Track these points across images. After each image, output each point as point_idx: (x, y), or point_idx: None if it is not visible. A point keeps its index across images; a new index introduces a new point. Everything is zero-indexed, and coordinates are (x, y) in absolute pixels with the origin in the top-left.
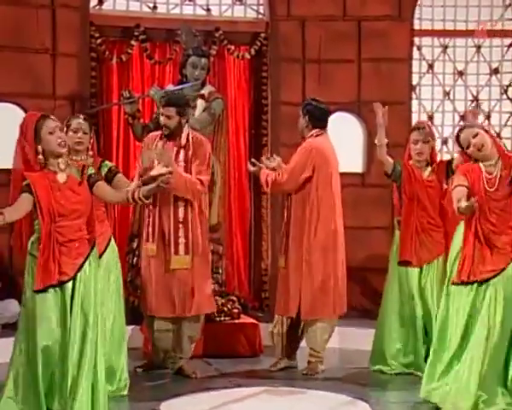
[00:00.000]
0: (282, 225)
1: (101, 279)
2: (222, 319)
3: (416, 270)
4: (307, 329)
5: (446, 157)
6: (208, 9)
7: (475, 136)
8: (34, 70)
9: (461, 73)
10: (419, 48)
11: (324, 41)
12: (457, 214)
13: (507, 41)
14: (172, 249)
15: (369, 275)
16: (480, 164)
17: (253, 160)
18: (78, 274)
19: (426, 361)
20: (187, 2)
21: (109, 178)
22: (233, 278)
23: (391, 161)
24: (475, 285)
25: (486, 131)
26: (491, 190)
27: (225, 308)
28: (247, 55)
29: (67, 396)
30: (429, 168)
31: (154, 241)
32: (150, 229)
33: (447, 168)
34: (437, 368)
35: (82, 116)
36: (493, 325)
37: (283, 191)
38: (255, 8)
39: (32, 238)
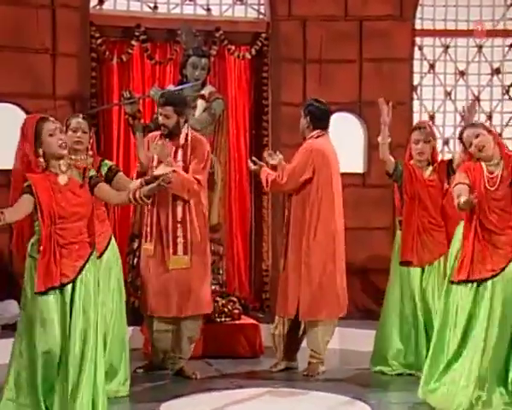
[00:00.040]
0: (283, 227)
1: (101, 279)
2: (222, 319)
3: (418, 270)
4: (308, 330)
5: (448, 157)
6: (209, 9)
7: (477, 136)
8: (34, 70)
9: (462, 73)
10: (420, 48)
11: (325, 41)
12: (458, 210)
13: (508, 41)
14: (171, 249)
15: (370, 276)
16: (482, 163)
17: (253, 158)
18: (79, 277)
19: None
20: (187, 2)
21: (109, 178)
22: (233, 279)
23: (393, 160)
24: (474, 285)
25: (490, 131)
26: (492, 189)
27: (226, 309)
28: (248, 56)
29: (68, 398)
30: (430, 168)
31: (151, 241)
32: (148, 229)
33: (448, 168)
34: (435, 369)
35: (81, 115)
36: (492, 326)
37: (283, 192)
38: (256, 7)
39: (32, 240)
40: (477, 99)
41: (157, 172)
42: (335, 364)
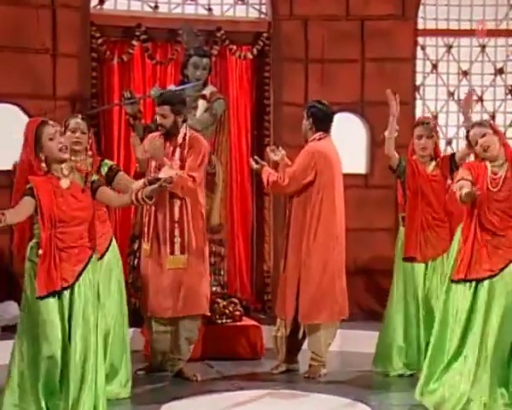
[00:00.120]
0: (284, 228)
1: (102, 281)
2: (223, 321)
3: (422, 266)
4: (310, 333)
5: (450, 152)
6: (210, 9)
7: (483, 136)
8: (34, 70)
9: (465, 73)
10: (423, 47)
11: (327, 41)
12: (460, 204)
13: None
14: (168, 249)
15: (372, 276)
16: (487, 163)
17: (255, 157)
18: (77, 281)
19: None
20: (188, 2)
21: (110, 178)
22: (235, 280)
23: (397, 156)
24: (473, 285)
25: (496, 132)
26: (494, 190)
27: (227, 310)
28: (249, 55)
29: (70, 402)
30: (433, 163)
31: (148, 240)
32: (146, 229)
33: (451, 163)
34: (434, 370)
35: (80, 116)
36: (490, 326)
37: (284, 194)
38: (257, 7)
39: (31, 243)
40: (480, 99)
41: (161, 174)
42: (337, 366)
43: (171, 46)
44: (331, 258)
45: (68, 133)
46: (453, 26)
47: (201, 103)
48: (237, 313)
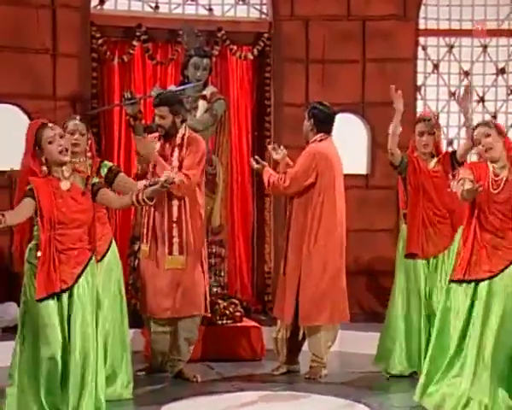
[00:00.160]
0: (285, 229)
1: (102, 282)
2: (224, 322)
3: (424, 262)
4: (310, 335)
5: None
6: (210, 9)
7: (487, 136)
8: (34, 71)
9: (467, 73)
10: (424, 48)
11: (328, 41)
12: (461, 201)
13: None
14: (166, 249)
15: (373, 277)
16: (489, 164)
17: (256, 157)
18: (76, 284)
19: None
20: (189, 2)
21: (110, 179)
22: (235, 281)
23: (399, 152)
24: (472, 285)
25: (501, 133)
26: (495, 191)
27: (227, 311)
28: (250, 56)
29: (71, 405)
30: (435, 159)
31: (147, 241)
32: (145, 230)
33: (452, 159)
34: (434, 371)
35: (78, 117)
36: (489, 328)
37: (285, 195)
38: (258, 7)
39: (30, 245)
40: (481, 100)
41: (163, 177)
42: (337, 367)
43: (171, 46)
44: (331, 260)
45: (67, 135)
46: (454, 26)
47: (202, 104)
48: (238, 314)
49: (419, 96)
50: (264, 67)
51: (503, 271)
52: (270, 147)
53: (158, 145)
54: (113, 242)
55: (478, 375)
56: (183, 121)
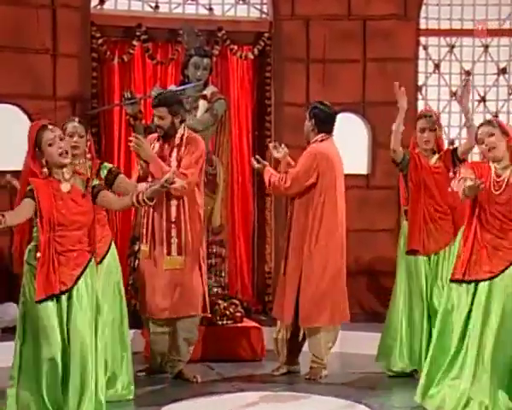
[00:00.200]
0: (285, 229)
1: (101, 284)
2: (224, 322)
3: (425, 259)
4: (310, 336)
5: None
6: (211, 9)
7: (491, 135)
8: (34, 71)
9: (468, 73)
10: (425, 47)
11: (329, 41)
12: (462, 198)
13: None
14: (165, 250)
15: (374, 278)
16: (491, 165)
17: (257, 156)
18: (76, 286)
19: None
20: (189, 2)
21: (110, 181)
22: (236, 281)
23: (401, 150)
24: (472, 285)
25: (505, 133)
26: (496, 192)
27: (227, 312)
28: (251, 56)
29: (71, 404)
30: (436, 156)
31: (147, 242)
32: (144, 230)
33: (453, 156)
34: (435, 372)
35: (77, 119)
36: (489, 328)
37: (286, 195)
38: (258, 7)
39: (30, 246)
40: (483, 99)
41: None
42: (338, 367)
43: (171, 46)
44: (332, 260)
45: (66, 138)
46: (455, 25)
47: (202, 104)
48: (238, 314)
49: (420, 96)
50: (265, 67)
51: (503, 271)
52: (271, 145)
53: (157, 146)
54: (113, 244)
55: (478, 375)
56: (182, 122)
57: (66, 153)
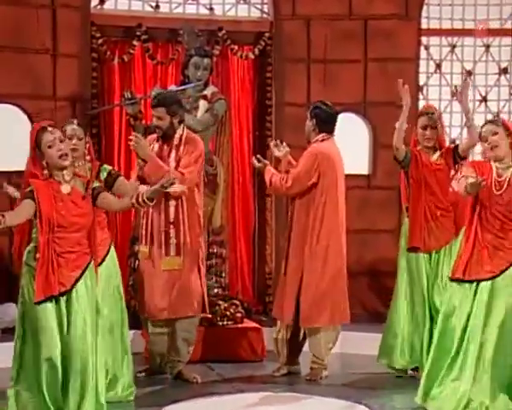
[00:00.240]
0: (286, 230)
1: (100, 287)
2: (224, 323)
3: (426, 256)
4: (311, 336)
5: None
6: (211, 9)
7: (494, 134)
8: (34, 71)
9: (469, 73)
10: (426, 47)
11: (330, 40)
12: (464, 195)
13: None
14: (163, 250)
15: (375, 278)
16: (493, 165)
17: (258, 156)
18: (75, 287)
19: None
20: (190, 2)
21: (110, 183)
22: (236, 282)
23: (404, 148)
24: (474, 285)
25: (508, 132)
26: (497, 192)
27: (228, 312)
28: (251, 56)
29: (72, 406)
30: (438, 153)
31: (146, 243)
32: (143, 231)
33: (454, 153)
34: (436, 374)
35: (76, 121)
36: (491, 328)
37: (287, 195)
38: (259, 7)
39: (29, 248)
40: (484, 99)
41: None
42: (338, 368)
43: (172, 46)
44: (333, 260)
45: (66, 140)
46: (457, 25)
47: (202, 104)
48: (238, 314)
49: (421, 96)
50: (266, 67)
51: (504, 271)
52: (272, 143)
53: (156, 146)
54: (112, 248)
55: (478, 376)
56: (180, 122)
57: (66, 155)
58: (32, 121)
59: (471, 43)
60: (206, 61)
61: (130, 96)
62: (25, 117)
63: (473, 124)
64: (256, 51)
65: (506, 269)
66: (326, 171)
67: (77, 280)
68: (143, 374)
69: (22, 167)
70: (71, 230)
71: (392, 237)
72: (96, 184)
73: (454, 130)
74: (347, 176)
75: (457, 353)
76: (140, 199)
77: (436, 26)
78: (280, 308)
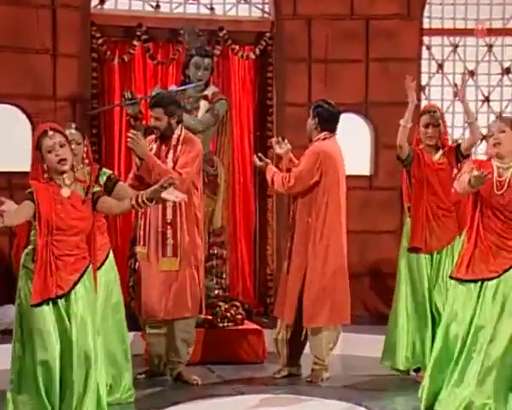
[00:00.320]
0: (289, 229)
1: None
2: (225, 324)
3: (427, 257)
4: (312, 336)
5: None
6: (212, 8)
7: (502, 132)
8: (34, 71)
9: (472, 73)
10: (428, 47)
11: (331, 40)
12: (468, 189)
13: None
14: (160, 251)
15: (376, 279)
16: (494, 164)
17: (259, 154)
18: (73, 291)
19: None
20: (190, 1)
21: (109, 187)
22: (237, 283)
23: (407, 146)
24: (478, 285)
25: None
26: (498, 192)
27: (228, 314)
28: (252, 55)
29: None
30: (440, 152)
31: (144, 244)
32: (141, 232)
33: (456, 152)
34: (438, 376)
35: (74, 125)
36: (496, 328)
37: (289, 194)
38: (260, 6)
39: (27, 250)
40: (487, 99)
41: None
42: (340, 370)
43: (172, 46)
44: (335, 260)
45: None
46: (459, 25)
47: (203, 104)
48: (239, 316)
49: (423, 97)
50: (267, 67)
51: (507, 270)
52: (274, 140)
53: (154, 147)
54: (111, 253)
55: (481, 379)
56: (178, 122)
57: (65, 160)
58: (31, 122)
59: (473, 43)
60: (206, 61)
61: (130, 96)
62: (24, 117)
63: (473, 122)
64: (257, 51)
65: (510, 268)
66: (328, 170)
67: (75, 284)
68: (143, 376)
69: (22, 168)
70: (69, 233)
71: (394, 237)
72: (97, 188)
73: (456, 130)
74: (349, 177)
75: (460, 357)
76: (140, 200)
77: (438, 26)
78: (281, 306)
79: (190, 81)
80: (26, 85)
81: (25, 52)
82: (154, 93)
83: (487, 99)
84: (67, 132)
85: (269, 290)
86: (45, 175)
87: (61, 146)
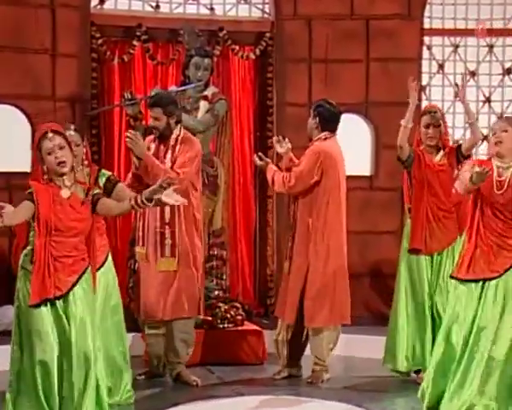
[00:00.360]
0: (290, 229)
1: (98, 295)
2: (225, 325)
3: (427, 258)
4: (313, 337)
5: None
6: (212, 9)
7: (504, 131)
8: (34, 71)
9: (472, 74)
10: (429, 47)
11: (331, 40)
12: (469, 187)
13: None
14: (159, 252)
15: (377, 280)
16: (494, 164)
17: (260, 154)
18: (71, 292)
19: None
20: (190, 2)
21: (109, 189)
22: (237, 284)
23: (408, 147)
24: (479, 285)
25: None
26: (498, 192)
27: (228, 315)
28: (252, 56)
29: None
30: (441, 153)
31: (143, 244)
32: (140, 232)
33: (457, 153)
34: (440, 379)
35: (73, 127)
36: (498, 328)
37: (289, 194)
38: (260, 7)
39: (25, 251)
40: (488, 100)
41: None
42: (340, 371)
43: (172, 46)
44: (334, 260)
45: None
46: (460, 25)
47: (203, 104)
48: (239, 317)
49: (424, 97)
50: (267, 67)
51: (508, 269)
52: (274, 139)
53: (153, 147)
54: (110, 256)
55: (485, 378)
56: (177, 122)
57: (64, 162)
58: (31, 122)
59: (474, 44)
60: (206, 61)
61: (130, 96)
62: (24, 117)
63: (474, 122)
64: (257, 51)
65: (510, 267)
66: (328, 170)
67: (73, 285)
68: (143, 377)
69: (22, 168)
70: (68, 234)
71: (395, 238)
72: (97, 190)
73: (457, 131)
74: (349, 177)
75: (462, 357)
76: (139, 200)
77: (439, 26)
78: (282, 306)
79: (190, 81)
80: (26, 86)
81: (24, 52)
82: (153, 93)
83: (488, 100)
84: (66, 134)
85: (269, 291)
86: (45, 176)
87: (61, 148)
